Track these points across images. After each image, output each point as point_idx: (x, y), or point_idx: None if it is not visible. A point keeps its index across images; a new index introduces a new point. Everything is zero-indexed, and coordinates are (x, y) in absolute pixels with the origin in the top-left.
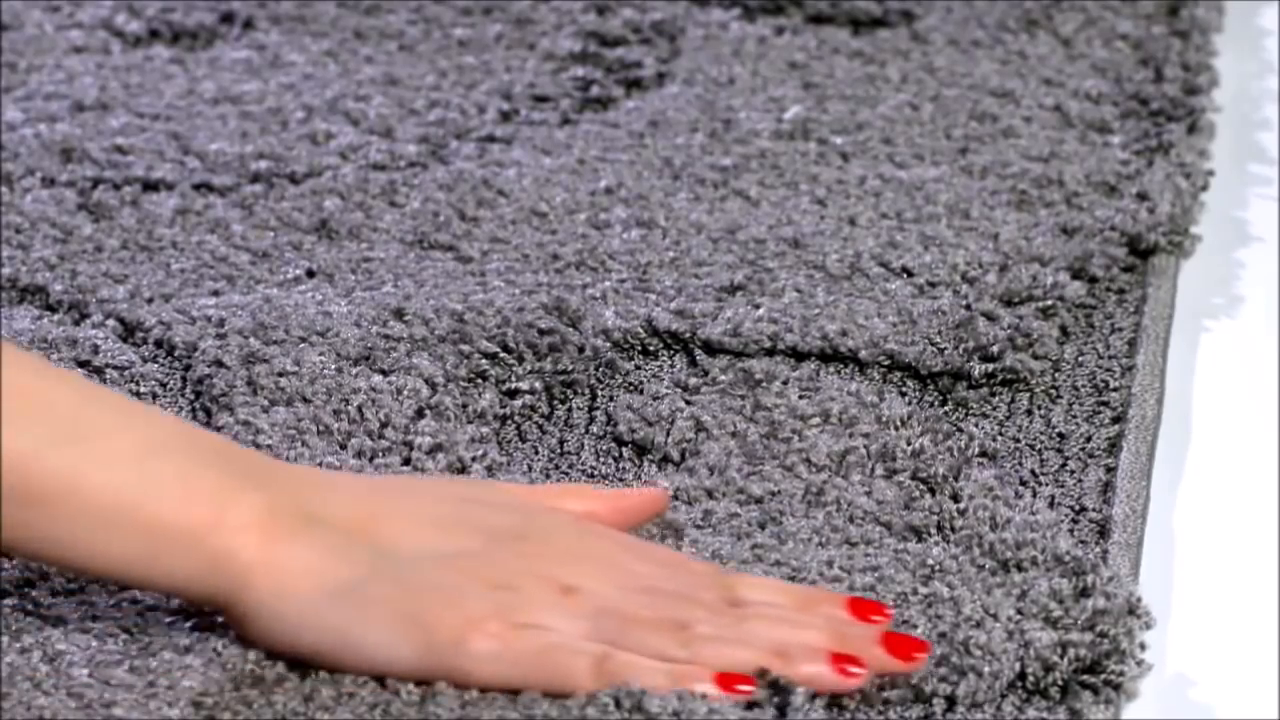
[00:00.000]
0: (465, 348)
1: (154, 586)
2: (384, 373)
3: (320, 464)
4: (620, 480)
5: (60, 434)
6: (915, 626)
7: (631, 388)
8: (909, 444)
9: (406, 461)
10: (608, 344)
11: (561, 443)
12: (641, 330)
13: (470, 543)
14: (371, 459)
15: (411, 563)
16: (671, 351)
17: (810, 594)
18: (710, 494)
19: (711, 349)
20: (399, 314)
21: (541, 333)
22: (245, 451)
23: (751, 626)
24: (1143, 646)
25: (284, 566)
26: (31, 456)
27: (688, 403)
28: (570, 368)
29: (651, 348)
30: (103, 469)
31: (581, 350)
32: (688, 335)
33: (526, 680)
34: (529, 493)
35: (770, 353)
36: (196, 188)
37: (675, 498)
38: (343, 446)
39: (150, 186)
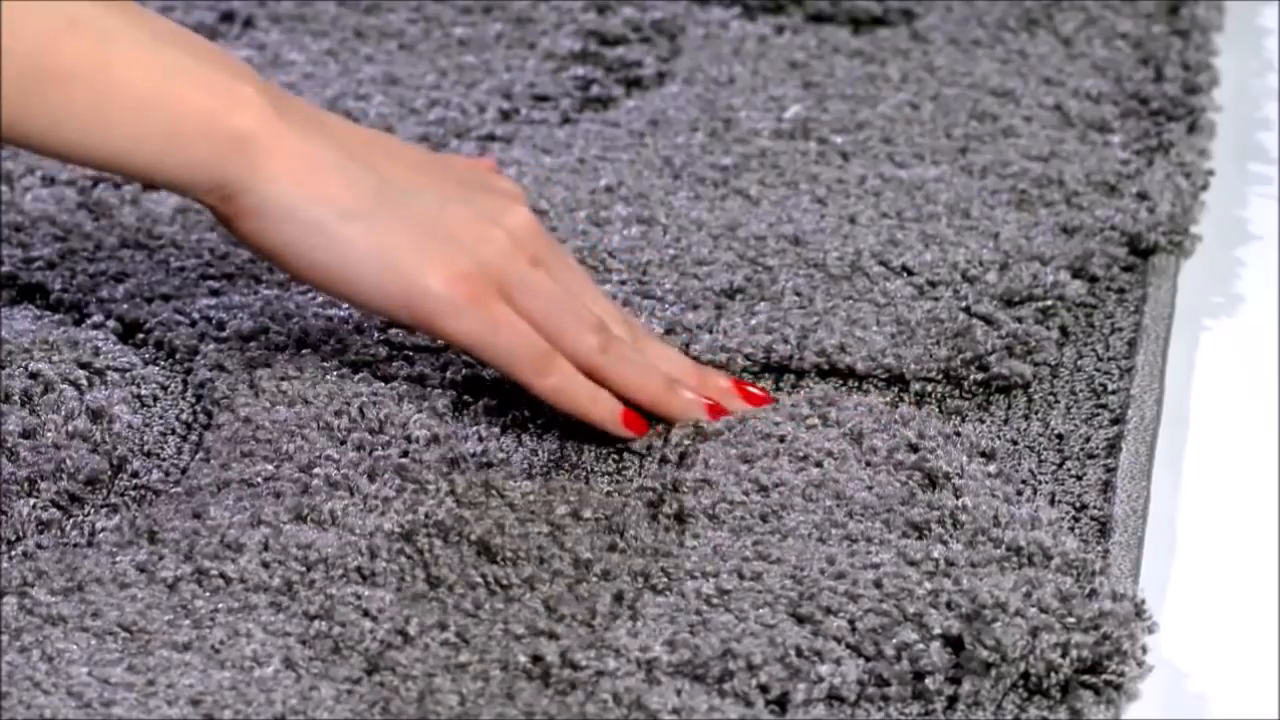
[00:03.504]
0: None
1: (167, 173)
2: (386, 379)
3: (320, 456)
4: (621, 476)
5: (85, 21)
6: (919, 622)
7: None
8: (909, 441)
9: (405, 454)
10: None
11: (561, 446)
12: None
13: (453, 190)
14: (370, 451)
15: (411, 199)
16: None
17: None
18: (709, 488)
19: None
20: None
21: None
22: (243, 63)
23: (648, 352)
24: (1144, 648)
25: (296, 155)
26: (61, 34)
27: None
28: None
29: None
30: (128, 52)
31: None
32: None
33: (482, 350)
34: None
35: (767, 369)
36: None
37: (676, 490)
38: (342, 442)
39: (150, 185)
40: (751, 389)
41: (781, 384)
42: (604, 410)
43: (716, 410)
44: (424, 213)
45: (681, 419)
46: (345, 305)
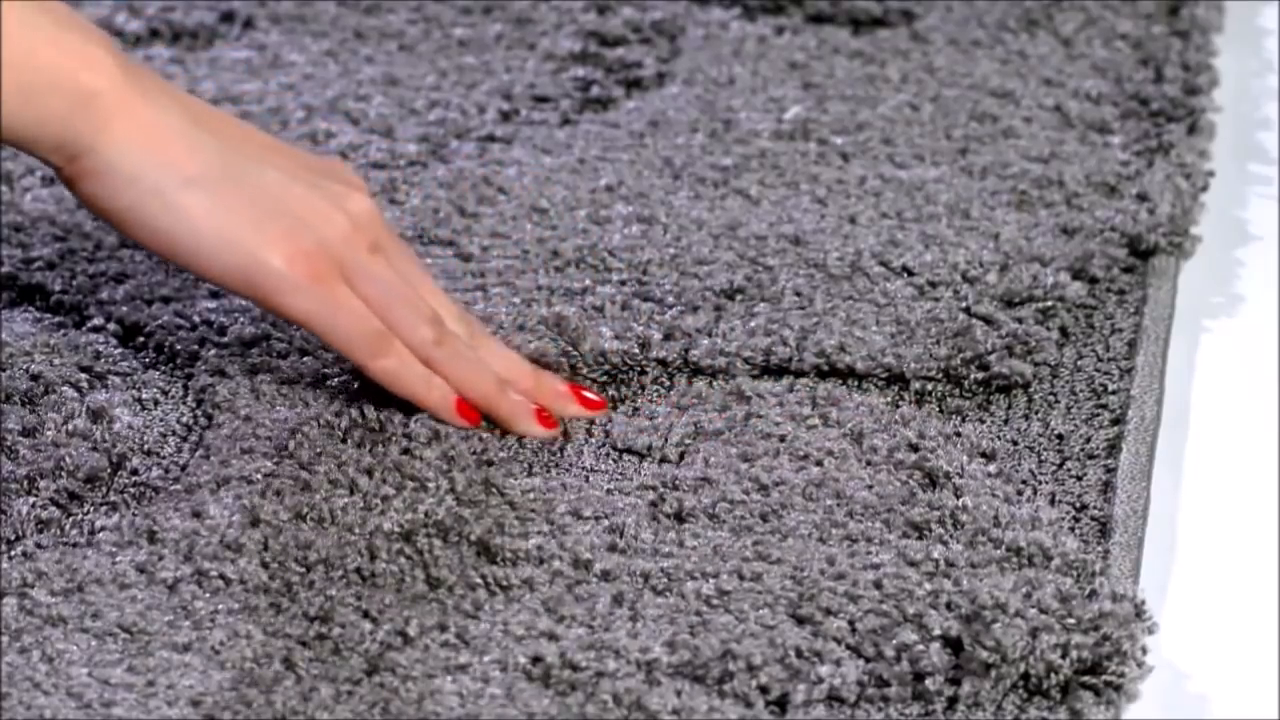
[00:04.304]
0: None
1: (15, 129)
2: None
3: (320, 453)
4: (621, 475)
5: None
6: (919, 623)
7: (630, 412)
8: (909, 441)
9: (405, 452)
10: (605, 368)
11: (560, 450)
12: (637, 350)
13: (299, 171)
14: (370, 449)
15: (257, 174)
16: (670, 374)
17: (513, 352)
18: (710, 487)
19: (705, 371)
20: None
21: (542, 357)
22: (102, 32)
23: (483, 352)
24: (1144, 649)
25: (144, 120)
26: None
27: (684, 413)
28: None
29: (649, 371)
30: None
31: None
32: (679, 361)
33: (320, 328)
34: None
35: (766, 371)
36: None
37: (676, 488)
38: (343, 440)
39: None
40: (588, 394)
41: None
42: (438, 396)
43: (545, 417)
44: (269, 188)
45: (509, 421)
46: None
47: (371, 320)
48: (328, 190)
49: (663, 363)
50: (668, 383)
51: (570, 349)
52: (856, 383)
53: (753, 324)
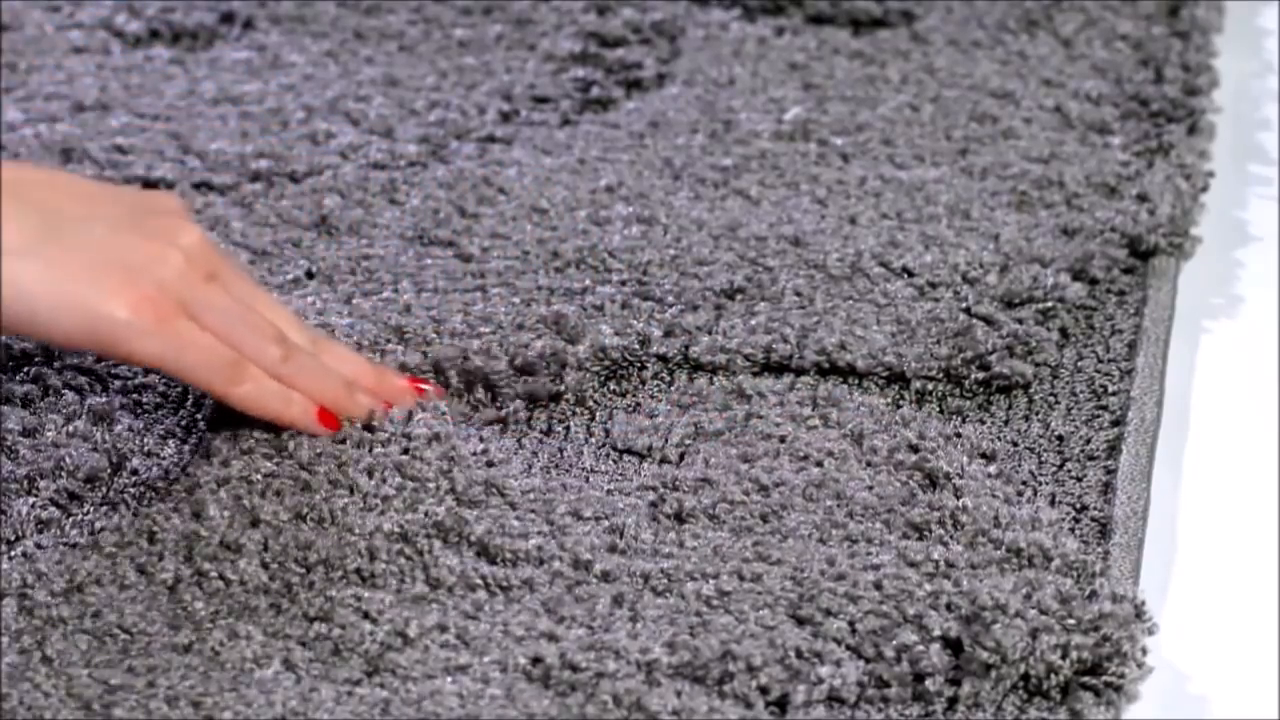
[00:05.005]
0: (466, 370)
1: None
2: None
3: (320, 453)
4: (621, 476)
5: None
6: (919, 624)
7: (631, 409)
8: (910, 442)
9: (405, 452)
10: (605, 364)
11: (561, 450)
12: (638, 346)
13: (122, 216)
14: (370, 449)
15: (81, 231)
16: (670, 370)
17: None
18: (710, 487)
19: (705, 368)
20: (399, 332)
21: (540, 358)
22: None
23: (330, 363)
24: (1144, 650)
25: None
26: None
27: (685, 412)
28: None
29: (649, 367)
30: None
31: (580, 368)
32: (679, 357)
33: (174, 368)
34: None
35: (767, 368)
36: (196, 187)
37: (676, 489)
38: (342, 440)
39: (150, 186)
40: (425, 385)
41: (784, 384)
42: (298, 411)
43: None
44: (98, 242)
45: (355, 414)
46: (346, 313)
47: (221, 350)
48: (156, 229)
49: (663, 359)
50: (668, 379)
51: (569, 345)
52: (857, 381)
53: (753, 322)
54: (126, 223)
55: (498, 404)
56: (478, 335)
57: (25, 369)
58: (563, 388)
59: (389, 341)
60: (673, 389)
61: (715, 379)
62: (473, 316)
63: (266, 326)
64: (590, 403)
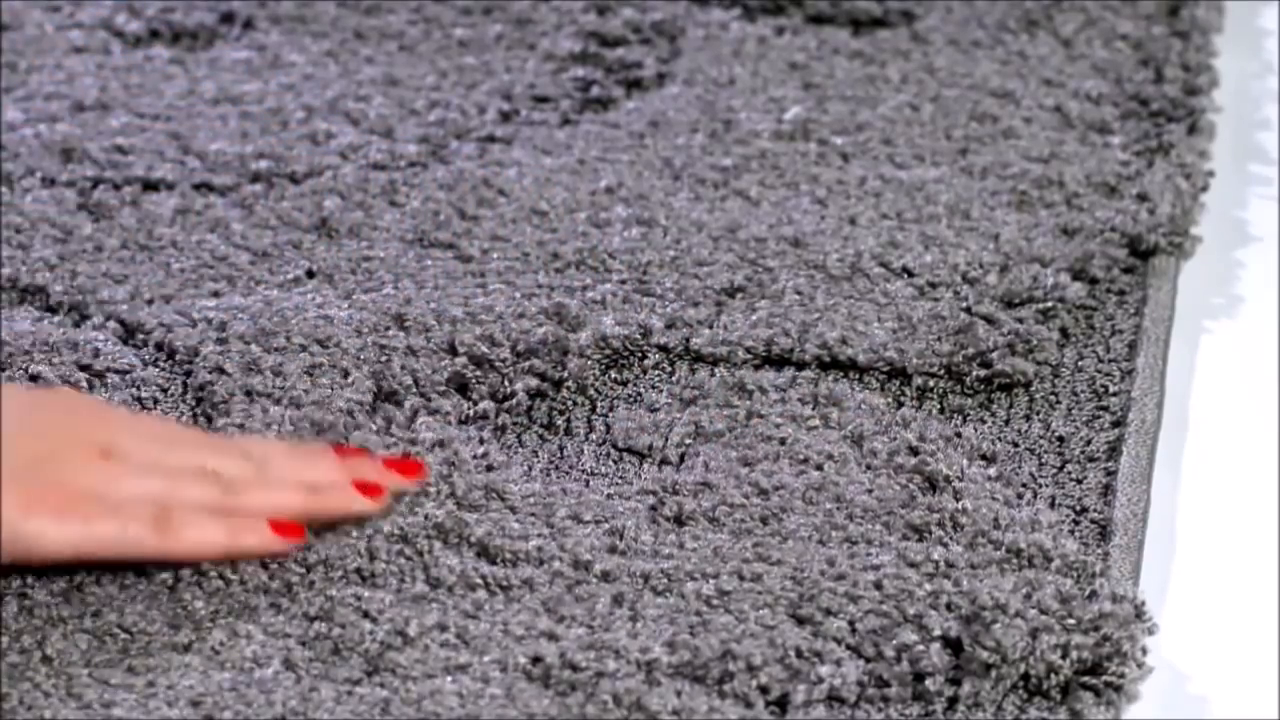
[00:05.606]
0: (464, 359)
1: None
2: (386, 381)
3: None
4: (621, 479)
5: None
6: (919, 623)
7: (632, 399)
8: (910, 444)
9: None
10: (606, 352)
11: (561, 448)
12: (639, 336)
13: (6, 418)
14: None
15: None
16: (671, 360)
17: (305, 446)
18: (709, 491)
19: (706, 359)
20: (400, 320)
21: (542, 344)
22: None
23: (275, 472)
24: (1144, 650)
25: None
26: None
27: (686, 407)
28: (566, 376)
29: (650, 356)
30: None
31: (581, 355)
32: (681, 348)
33: (90, 548)
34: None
35: (768, 361)
36: (196, 187)
37: (676, 493)
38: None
39: (150, 186)
40: (405, 461)
41: (785, 378)
42: (251, 539)
43: (370, 488)
44: None
45: (338, 513)
46: (345, 306)
47: (139, 506)
48: (37, 421)
49: (664, 349)
50: (669, 369)
51: (570, 333)
52: (858, 377)
53: (754, 317)
54: (16, 428)
55: (498, 393)
56: (479, 324)
57: (24, 366)
58: (565, 374)
59: (389, 329)
60: (674, 380)
61: (716, 370)
62: (474, 306)
63: (188, 470)
64: (591, 391)
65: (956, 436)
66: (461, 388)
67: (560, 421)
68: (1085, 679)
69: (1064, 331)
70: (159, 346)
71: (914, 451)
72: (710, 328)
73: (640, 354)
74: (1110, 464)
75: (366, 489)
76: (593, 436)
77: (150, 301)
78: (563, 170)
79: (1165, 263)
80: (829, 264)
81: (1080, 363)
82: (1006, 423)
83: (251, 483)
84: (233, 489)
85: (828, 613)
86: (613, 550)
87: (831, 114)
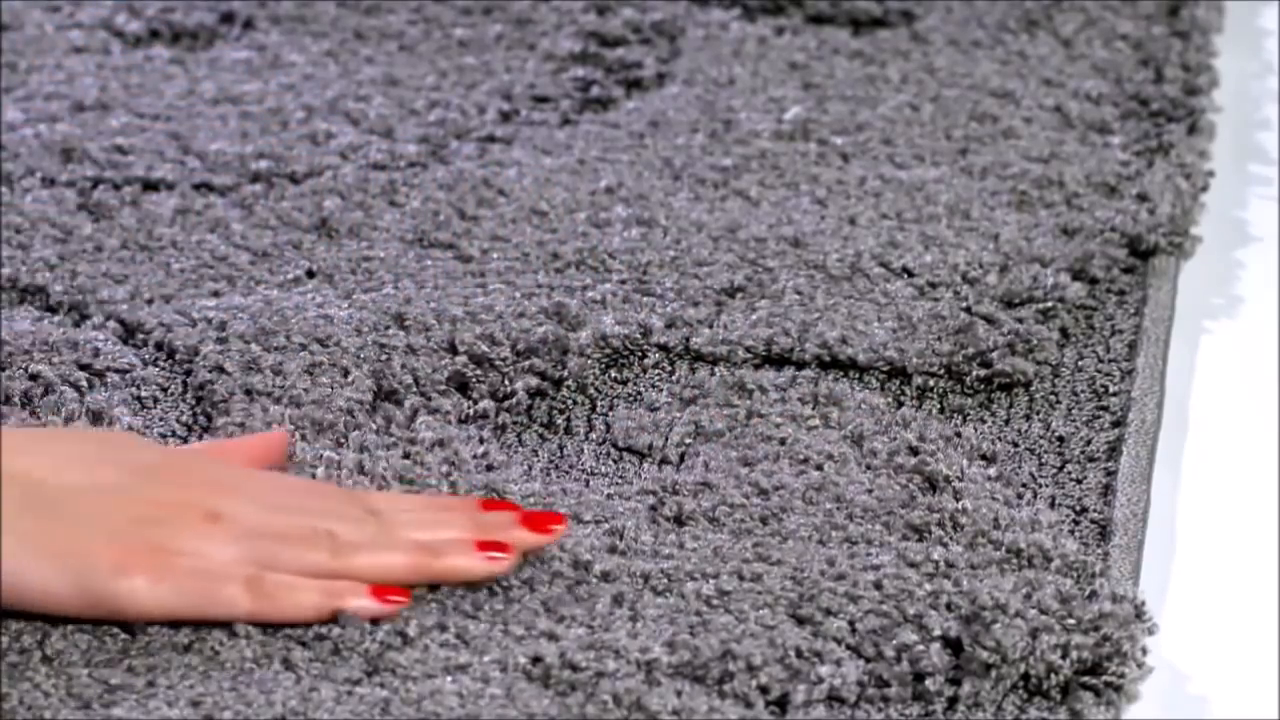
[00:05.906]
0: (464, 358)
1: None
2: (387, 381)
3: (320, 456)
4: (621, 479)
5: None
6: (919, 623)
7: (632, 398)
8: (910, 444)
9: (406, 456)
10: (606, 351)
11: (561, 447)
12: (639, 336)
13: (114, 477)
14: (372, 453)
15: (60, 496)
16: (671, 359)
17: (442, 498)
18: (709, 491)
19: (706, 359)
20: (400, 319)
21: (542, 343)
22: None
23: (395, 531)
24: (1144, 650)
25: None
26: None
27: (686, 407)
28: (566, 374)
29: (650, 356)
30: None
31: (581, 354)
32: (681, 348)
33: (183, 610)
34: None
35: (768, 360)
36: (196, 187)
37: (676, 493)
38: (342, 443)
39: (150, 186)
40: (545, 515)
41: (785, 378)
42: (349, 603)
43: (494, 545)
44: (84, 510)
45: (453, 580)
46: (345, 306)
47: (232, 568)
48: (154, 485)
49: (664, 348)
50: (669, 368)
51: (570, 332)
52: (858, 376)
53: (754, 316)
54: (110, 483)
55: (498, 392)
56: (479, 323)
57: (24, 366)
58: (565, 373)
59: (389, 329)
60: (674, 379)
61: (716, 370)
62: (474, 306)
63: (297, 533)
64: (591, 390)
65: (956, 436)
66: (461, 387)
67: (560, 421)
68: (1085, 679)
69: (1064, 331)
70: (159, 346)
71: (914, 451)
72: (710, 327)
73: (640, 353)
74: (1110, 464)
75: (492, 549)
76: (593, 436)
77: (150, 301)
78: (563, 170)
79: (1165, 263)
80: (829, 264)
81: (1080, 363)
82: (1006, 423)
83: (363, 545)
84: (341, 553)
85: (828, 613)
86: (613, 550)
87: (831, 114)
